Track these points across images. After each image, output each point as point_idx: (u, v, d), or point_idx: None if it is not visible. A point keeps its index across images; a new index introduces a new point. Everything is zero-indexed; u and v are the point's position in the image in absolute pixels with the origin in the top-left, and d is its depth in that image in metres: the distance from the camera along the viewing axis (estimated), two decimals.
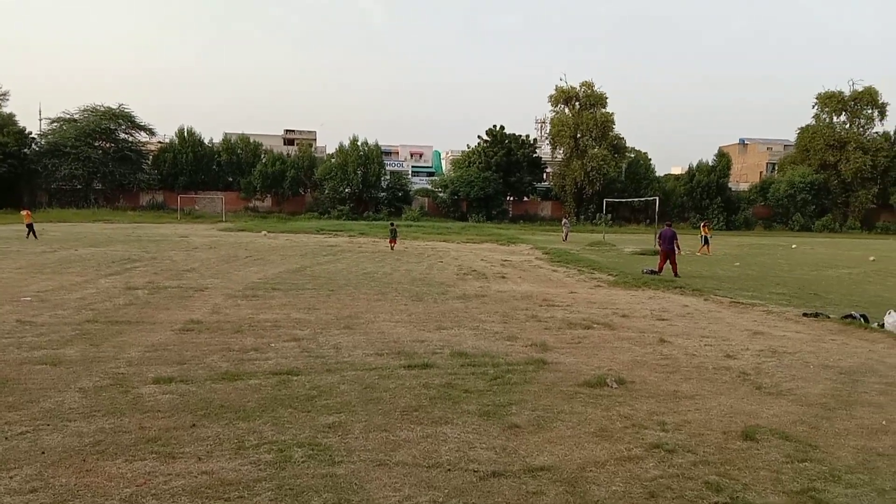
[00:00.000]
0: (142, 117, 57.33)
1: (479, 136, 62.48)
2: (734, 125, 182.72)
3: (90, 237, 28.55)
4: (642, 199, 52.26)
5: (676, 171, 72.59)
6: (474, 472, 4.60)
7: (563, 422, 5.78)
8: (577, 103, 61.12)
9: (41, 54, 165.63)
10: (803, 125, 65.40)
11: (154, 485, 4.23)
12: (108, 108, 55.39)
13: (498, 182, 58.43)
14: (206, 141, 59.92)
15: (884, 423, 6.08)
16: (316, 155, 64.07)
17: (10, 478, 4.27)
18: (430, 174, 77.96)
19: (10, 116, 54.06)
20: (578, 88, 60.85)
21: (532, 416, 5.90)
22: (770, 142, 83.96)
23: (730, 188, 63.78)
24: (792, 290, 16.69)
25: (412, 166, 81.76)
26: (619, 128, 62.06)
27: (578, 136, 60.36)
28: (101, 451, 4.75)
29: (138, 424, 5.35)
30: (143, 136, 58.42)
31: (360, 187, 57.42)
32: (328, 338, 8.96)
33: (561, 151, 62.04)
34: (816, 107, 63.92)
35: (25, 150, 53.47)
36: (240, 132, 62.47)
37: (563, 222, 40.75)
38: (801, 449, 5.30)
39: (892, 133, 63.19)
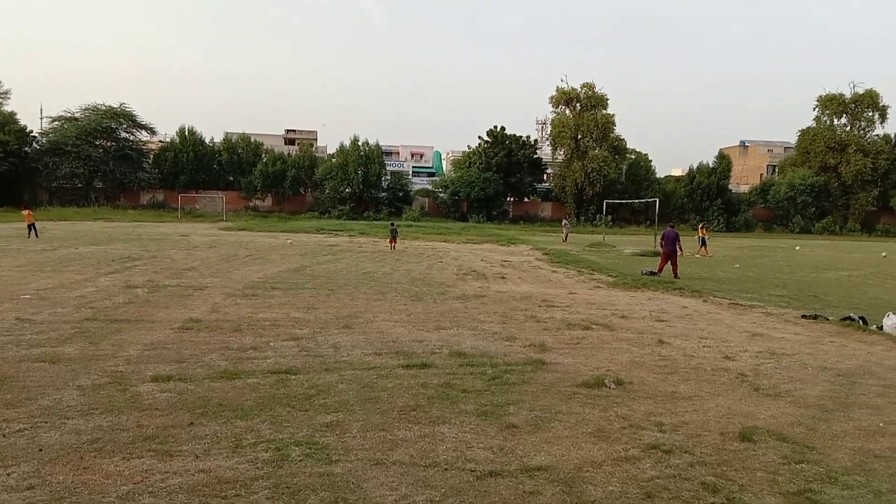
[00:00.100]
0: (143, 116, 57.48)
1: (479, 137, 62.56)
2: (735, 127, 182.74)
3: (90, 235, 28.56)
4: (642, 200, 52.25)
5: (677, 172, 72.56)
6: (471, 471, 4.61)
7: (560, 422, 5.79)
8: (577, 104, 61.13)
9: (42, 54, 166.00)
10: (804, 127, 65.42)
11: (151, 482, 4.24)
12: (110, 106, 55.44)
13: (498, 183, 58.44)
14: (206, 140, 59.96)
15: (881, 425, 6.09)
16: (317, 155, 64.09)
17: (8, 475, 4.28)
18: (431, 174, 77.93)
19: (12, 115, 54.10)
20: (579, 89, 60.88)
21: (530, 416, 5.90)
22: (770, 144, 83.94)
23: (730, 190, 63.76)
24: (791, 292, 16.69)
25: (413, 166, 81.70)
26: (620, 129, 62.07)
27: (579, 137, 60.35)
28: (99, 449, 4.76)
29: (136, 422, 5.35)
30: (144, 135, 58.48)
31: (360, 187, 57.42)
32: (327, 337, 8.97)
33: (561, 152, 62.03)
34: (817, 109, 63.93)
35: (26, 148, 53.50)
36: (241, 132, 62.51)
37: (563, 223, 40.77)
38: (798, 450, 5.31)
39: (892, 136, 63.14)
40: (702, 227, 32.36)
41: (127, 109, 56.02)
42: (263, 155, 59.88)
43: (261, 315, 10.48)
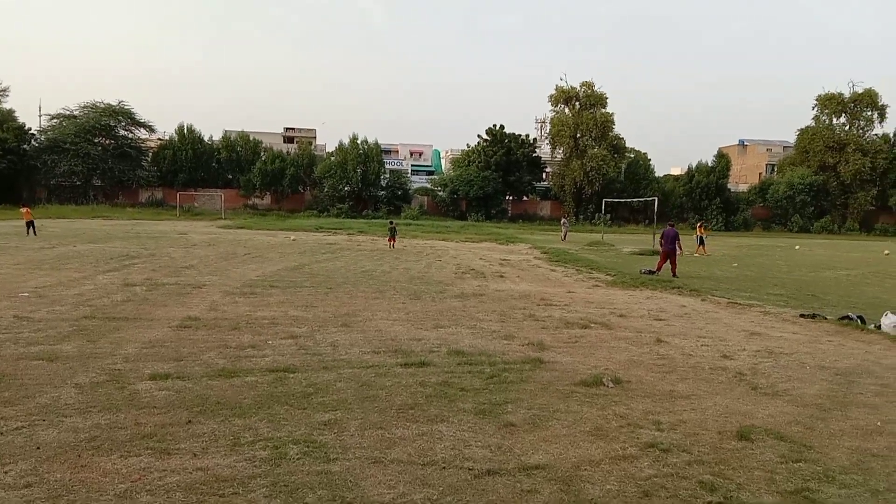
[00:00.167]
0: (141, 114, 57.37)
1: (478, 136, 62.48)
2: (734, 126, 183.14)
3: (89, 234, 28.52)
4: (641, 199, 52.25)
5: (676, 171, 72.61)
6: (469, 470, 4.61)
7: (558, 420, 5.79)
8: (577, 103, 61.05)
9: (41, 52, 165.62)
10: (803, 126, 65.42)
11: (149, 481, 4.23)
12: (108, 104, 55.29)
13: (497, 181, 58.40)
14: (205, 138, 59.79)
15: (878, 424, 6.10)
16: (316, 153, 63.97)
17: (5, 472, 4.27)
18: (430, 173, 77.89)
19: (10, 112, 53.99)
20: (578, 88, 60.78)
21: (528, 414, 5.91)
22: (769, 143, 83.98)
23: (729, 189, 63.75)
24: (790, 291, 16.70)
25: (412, 165, 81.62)
26: (619, 128, 62.03)
27: (578, 135, 60.31)
28: (97, 447, 4.76)
29: (134, 420, 5.35)
30: (142, 133, 58.33)
31: (359, 186, 57.35)
32: (325, 335, 8.97)
33: (560, 151, 61.98)
34: (816, 108, 63.90)
35: (25, 146, 53.36)
36: (240, 130, 62.42)
37: (562, 222, 40.75)
38: (796, 449, 5.31)
39: (891, 135, 63.19)
40: (700, 226, 32.41)
41: (126, 107, 55.90)
42: (262, 153, 59.78)
43: (259, 313, 10.47)
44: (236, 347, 8.05)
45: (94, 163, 52.91)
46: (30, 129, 55.05)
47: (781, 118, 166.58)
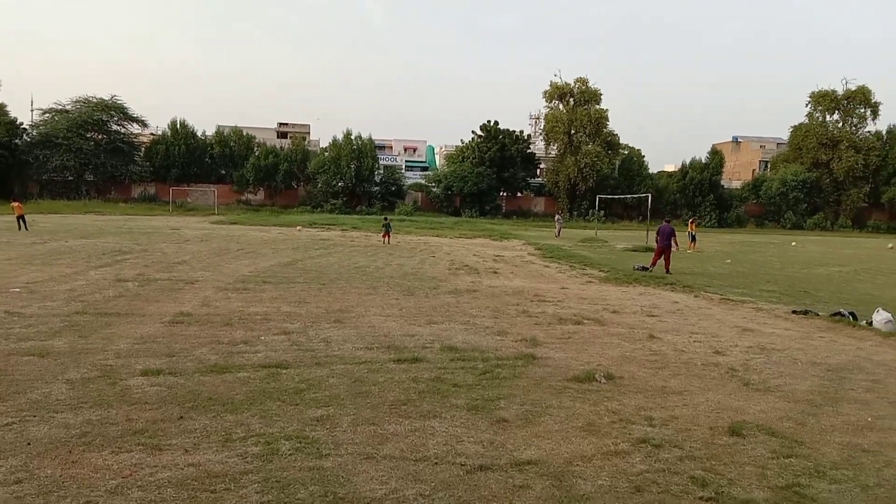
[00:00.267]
0: (134, 109, 57.04)
1: (472, 132, 62.43)
2: (728, 123, 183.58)
3: (81, 229, 28.40)
4: (635, 195, 52.27)
5: (670, 168, 72.58)
6: (461, 465, 4.61)
7: (550, 416, 5.80)
8: (571, 99, 60.99)
9: (33, 47, 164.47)
10: (796, 123, 65.56)
11: (140, 476, 4.22)
12: (101, 99, 54.93)
13: (491, 177, 58.38)
14: (198, 133, 59.49)
15: (869, 419, 6.13)
16: (309, 148, 63.76)
17: None
18: (424, 169, 77.71)
19: (2, 107, 53.55)
20: (573, 84, 60.76)
21: (520, 410, 5.91)
22: (763, 140, 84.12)
23: (722, 186, 63.89)
24: (782, 287, 16.77)
25: (406, 161, 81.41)
26: (613, 125, 62.29)
27: (572, 132, 60.26)
28: (88, 443, 4.74)
29: (125, 416, 5.33)
30: (135, 128, 57.98)
31: (353, 181, 57.21)
32: (318, 331, 8.96)
33: (555, 147, 61.92)
34: (810, 105, 64.01)
35: (17, 140, 53.04)
36: (233, 125, 62.12)
37: (556, 218, 40.83)
38: (787, 445, 5.33)
39: (884, 132, 63.42)
40: (692, 222, 32.53)
41: (118, 102, 55.56)
42: (256, 148, 59.49)
43: (252, 309, 10.44)
44: (228, 343, 8.03)
45: (86, 158, 52.58)
46: (21, 123, 54.76)
47: (775, 115, 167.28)
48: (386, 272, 16.48)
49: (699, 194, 60.41)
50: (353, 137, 59.03)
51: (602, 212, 51.74)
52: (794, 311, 12.45)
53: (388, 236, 27.14)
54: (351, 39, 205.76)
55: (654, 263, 19.46)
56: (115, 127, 56.01)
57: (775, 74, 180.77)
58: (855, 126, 63.01)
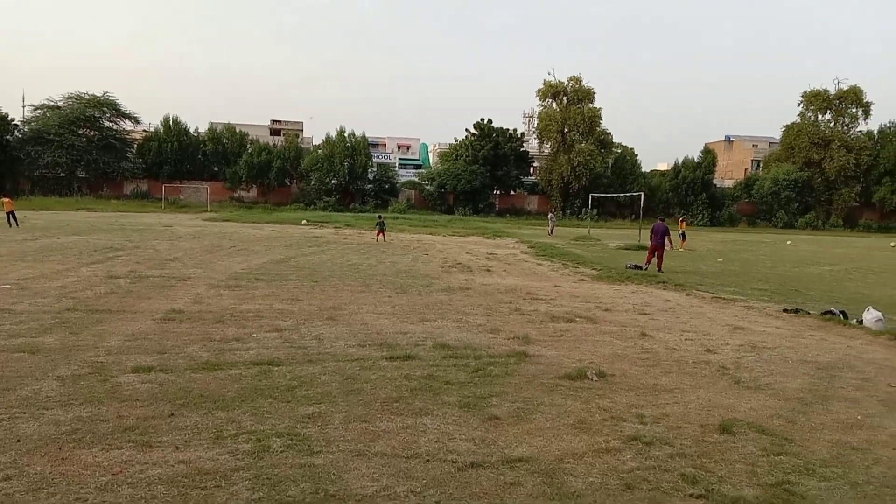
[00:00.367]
0: (126, 105, 56.78)
1: (466, 130, 62.41)
2: (720, 122, 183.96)
3: (73, 225, 28.25)
4: (628, 194, 52.37)
5: (662, 167, 72.71)
6: (453, 462, 4.62)
7: (542, 414, 5.81)
8: (564, 98, 61.04)
9: (25, 42, 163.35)
10: (789, 123, 65.81)
11: (130, 473, 4.21)
12: (93, 95, 54.68)
13: (485, 175, 58.40)
14: (191, 130, 59.36)
15: (859, 417, 6.16)
16: (302, 146, 63.64)
17: None
18: (418, 167, 77.69)
19: None
20: (566, 83, 60.84)
21: (512, 407, 5.92)
22: (755, 139, 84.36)
23: (715, 185, 64.07)
24: (773, 286, 16.85)
25: (399, 159, 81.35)
26: (606, 123, 62.24)
27: (565, 130, 60.32)
28: (78, 440, 4.72)
29: (116, 413, 5.32)
30: (127, 125, 57.67)
31: (346, 179, 57.13)
32: (310, 328, 8.94)
33: (548, 146, 61.97)
34: (802, 105, 64.20)
35: (8, 136, 52.73)
36: (226, 122, 61.94)
37: (549, 216, 40.88)
38: (777, 442, 5.36)
39: (875, 132, 63.74)
40: (682, 221, 32.69)
41: (110, 98, 55.33)
42: (248, 145, 59.29)
43: (244, 306, 10.42)
44: (220, 340, 8.01)
45: (78, 154, 52.30)
46: (13, 119, 54.36)
47: (769, 115, 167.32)
48: (379, 270, 16.47)
49: (691, 193, 60.60)
50: (346, 135, 58.98)
51: (595, 210, 51.88)
52: (785, 310, 12.50)
53: (383, 234, 27.09)
54: (345, 37, 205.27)
55: (648, 261, 19.52)
56: (107, 123, 55.80)
57: (774, 74, 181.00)
58: (847, 126, 63.28)
